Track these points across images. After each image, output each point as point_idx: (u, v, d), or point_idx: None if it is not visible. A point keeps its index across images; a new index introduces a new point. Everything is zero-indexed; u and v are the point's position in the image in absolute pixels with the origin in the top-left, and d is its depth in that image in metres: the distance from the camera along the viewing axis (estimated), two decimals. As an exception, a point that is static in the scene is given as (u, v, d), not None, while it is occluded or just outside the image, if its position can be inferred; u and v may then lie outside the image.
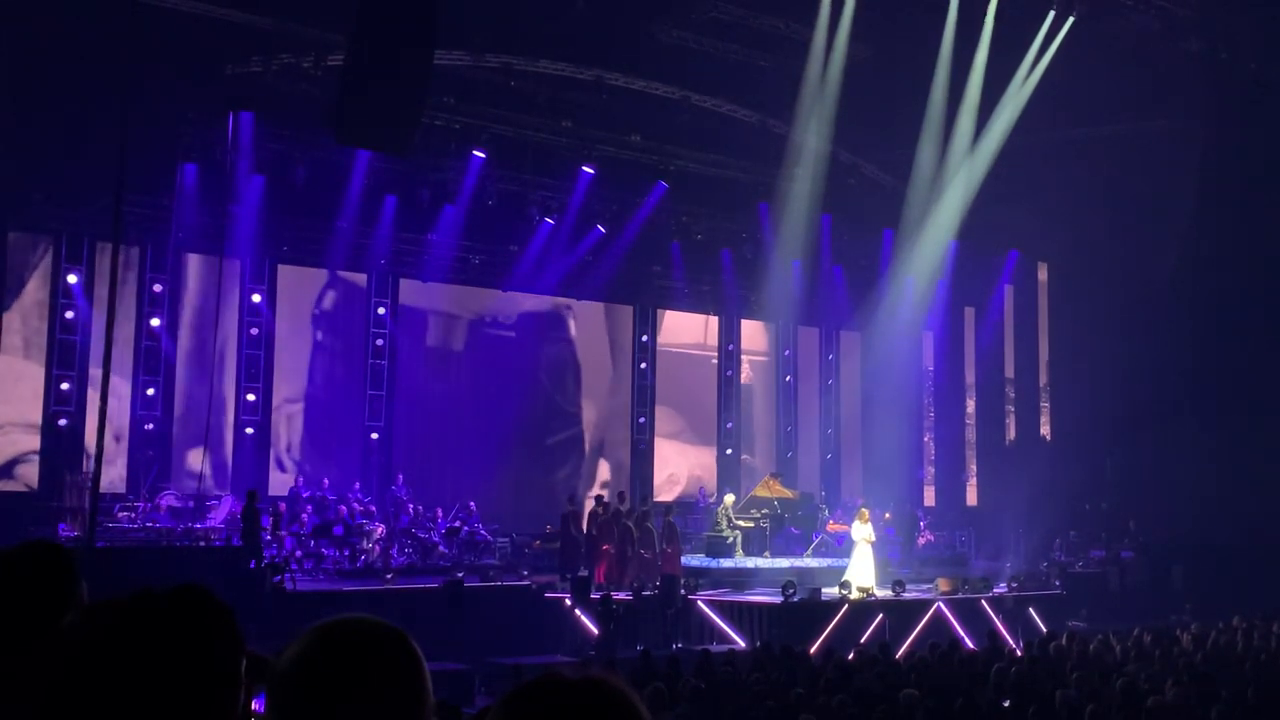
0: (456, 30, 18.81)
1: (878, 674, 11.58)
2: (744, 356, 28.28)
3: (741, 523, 21.59)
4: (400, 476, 22.17)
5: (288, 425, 22.33)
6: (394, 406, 23.11)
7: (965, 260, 27.66)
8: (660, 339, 27.13)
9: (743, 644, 17.26)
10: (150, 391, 20.49)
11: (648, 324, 26.93)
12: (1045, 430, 30.48)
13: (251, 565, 16.69)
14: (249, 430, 21.48)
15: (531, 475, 24.73)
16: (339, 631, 1.70)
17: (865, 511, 20.16)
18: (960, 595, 19.69)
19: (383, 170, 21.79)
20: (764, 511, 22.11)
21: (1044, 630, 17.39)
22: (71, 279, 19.82)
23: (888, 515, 23.78)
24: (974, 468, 30.55)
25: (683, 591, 18.39)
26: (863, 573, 19.08)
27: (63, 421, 19.50)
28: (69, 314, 19.81)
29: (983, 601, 19.59)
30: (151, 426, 20.38)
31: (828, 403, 29.21)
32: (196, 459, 19.94)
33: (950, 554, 24.90)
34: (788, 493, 23.16)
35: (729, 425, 27.72)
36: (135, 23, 14.43)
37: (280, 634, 1.75)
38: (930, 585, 20.26)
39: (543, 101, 22.68)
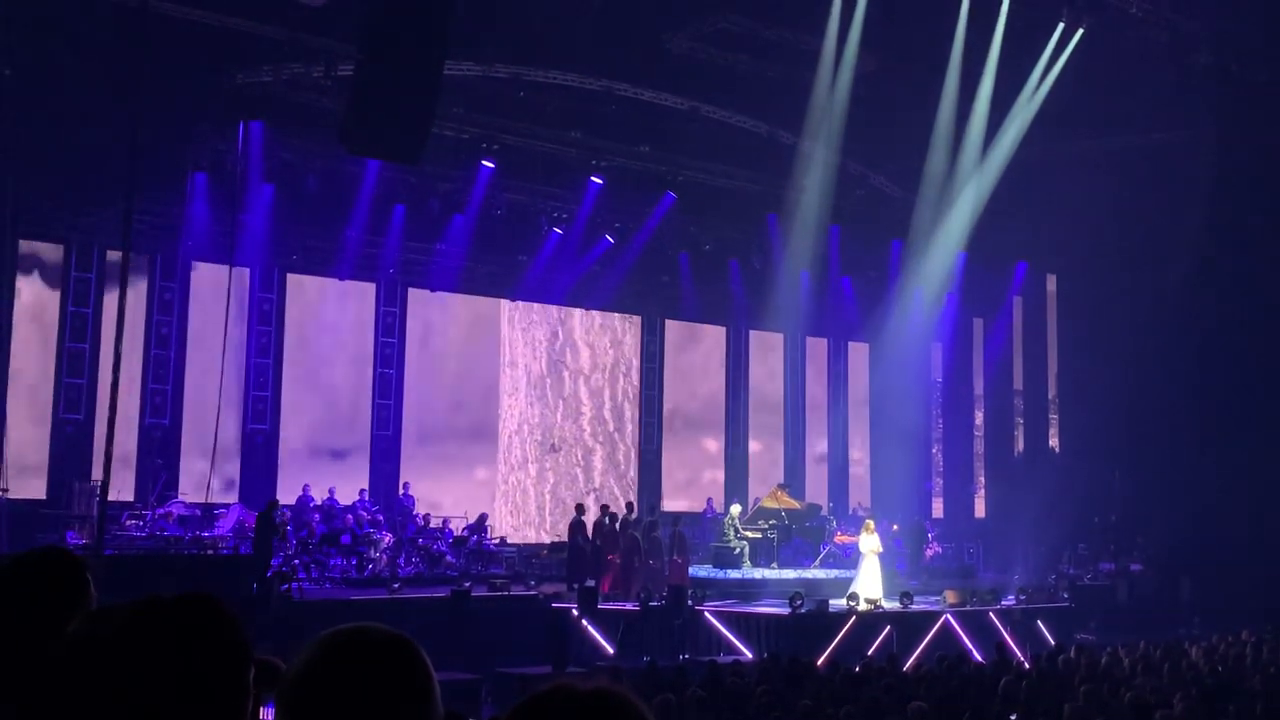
0: (466, 40, 18.85)
1: (885, 686, 11.53)
2: (752, 367, 28.25)
3: (749, 534, 21.53)
4: (407, 484, 22.17)
5: (296, 433, 22.33)
6: (400, 414, 23.14)
7: (974, 271, 27.62)
8: (667, 349, 27.11)
9: (750, 655, 17.19)
10: (159, 400, 20.52)
11: (655, 334, 26.91)
12: (1054, 442, 30.43)
13: (268, 574, 16.68)
14: (257, 439, 21.51)
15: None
16: (348, 640, 1.69)
17: (871, 523, 20.18)
18: (968, 607, 19.63)
19: (392, 180, 21.83)
20: (771, 522, 22.04)
21: (1052, 643, 17.29)
22: (81, 287, 19.88)
23: (896, 527, 23.72)
24: (982, 479, 30.49)
25: (690, 602, 18.35)
26: (870, 584, 19.06)
27: (71, 429, 19.55)
28: (78, 322, 19.86)
29: (991, 614, 19.53)
30: (160, 435, 20.41)
31: (836, 414, 29.15)
32: (205, 467, 19.95)
33: (958, 566, 24.82)
34: (795, 504, 23.09)
35: (736, 435, 27.66)
36: (145, 31, 14.48)
37: (286, 642, 1.74)
38: (938, 597, 20.17)
39: (552, 112, 22.70)
